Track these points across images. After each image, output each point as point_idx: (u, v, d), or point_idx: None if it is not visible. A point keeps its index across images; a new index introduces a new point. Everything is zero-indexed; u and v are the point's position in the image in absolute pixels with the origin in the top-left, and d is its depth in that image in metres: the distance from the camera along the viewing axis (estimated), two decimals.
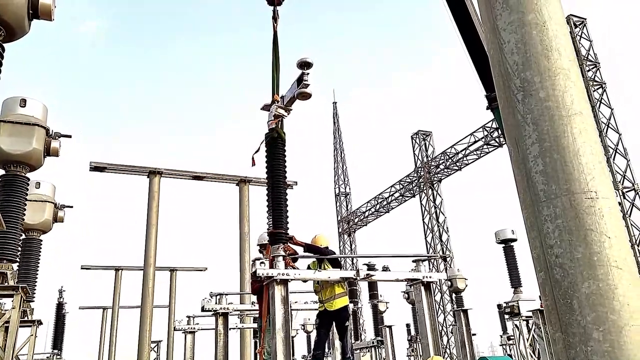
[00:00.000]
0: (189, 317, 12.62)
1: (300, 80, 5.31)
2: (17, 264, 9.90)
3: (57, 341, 20.46)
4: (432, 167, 23.83)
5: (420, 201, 24.32)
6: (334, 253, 6.67)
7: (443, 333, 21.67)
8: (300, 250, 5.76)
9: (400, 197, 26.41)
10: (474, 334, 20.86)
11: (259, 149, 5.72)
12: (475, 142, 21.38)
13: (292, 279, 5.15)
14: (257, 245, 7.08)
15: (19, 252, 9.64)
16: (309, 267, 6.82)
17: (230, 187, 16.82)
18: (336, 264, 6.51)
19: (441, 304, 22.11)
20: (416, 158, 24.79)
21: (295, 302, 10.35)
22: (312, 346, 6.81)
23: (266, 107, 5.78)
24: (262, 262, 5.01)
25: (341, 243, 30.62)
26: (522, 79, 2.39)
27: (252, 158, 5.68)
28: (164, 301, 25.92)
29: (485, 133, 20.98)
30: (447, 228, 23.10)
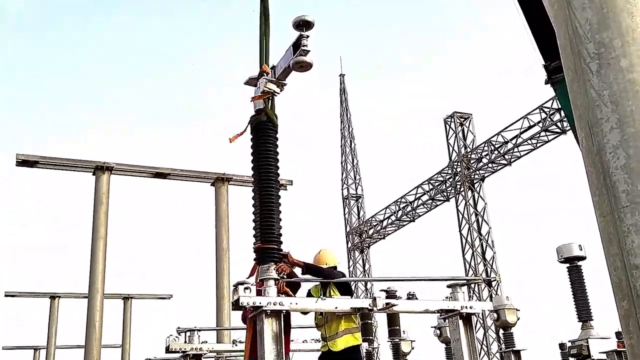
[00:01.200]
0: None
1: (297, 46, 5.26)
2: None
3: None
4: (472, 161, 23.82)
5: (457, 206, 24.32)
6: (343, 275, 6.65)
7: None
8: (298, 272, 5.75)
9: (430, 202, 26.41)
10: None
11: (245, 130, 5.70)
12: (530, 127, 21.38)
13: (287, 310, 5.13)
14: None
15: None
16: (309, 294, 6.81)
17: (204, 188, 16.86)
18: (346, 289, 6.50)
19: (485, 342, 22.13)
20: (451, 149, 24.77)
21: (292, 341, 10.33)
22: None
23: (252, 81, 5.76)
24: (247, 288, 5.00)
25: (351, 262, 30.67)
26: (598, 42, 2.37)
27: (234, 137, 5.64)
28: (116, 339, 26.01)
29: (544, 116, 20.98)
30: (492, 242, 23.12)
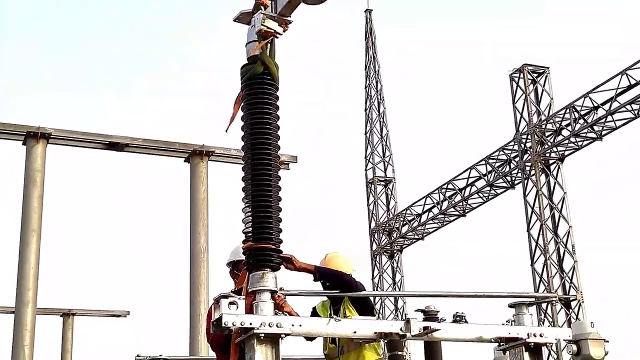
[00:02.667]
0: None
1: None
2: None
3: None
4: (547, 134, 23.73)
5: (525, 196, 24.29)
6: (363, 288, 6.68)
7: None
8: (306, 280, 5.82)
9: (488, 189, 26.38)
10: None
11: (239, 97, 5.72)
12: (631, 87, 21.22)
13: (287, 334, 5.17)
14: (228, 264, 7.13)
15: None
16: (314, 314, 6.85)
17: (175, 165, 16.92)
18: (365, 308, 6.54)
19: None
20: (519, 116, 24.68)
21: None
22: None
23: (244, 17, 5.76)
24: (232, 303, 5.04)
25: (376, 270, 30.78)
26: None
27: (231, 118, 5.71)
28: None
29: None
30: (572, 247, 23.09)
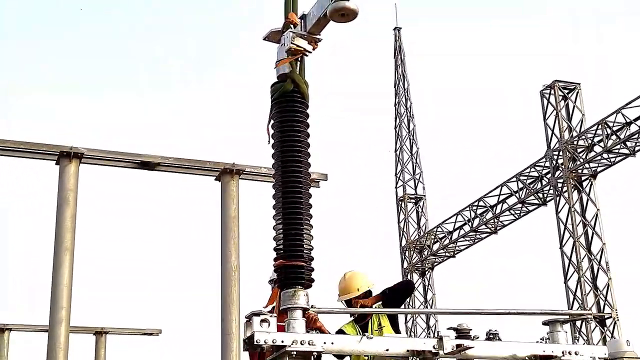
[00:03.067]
0: None
1: None
2: None
3: None
4: (579, 150, 23.54)
5: (557, 213, 24.09)
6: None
7: None
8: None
9: (519, 206, 26.22)
10: None
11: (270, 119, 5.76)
12: None
13: (319, 352, 5.15)
14: (270, 281, 7.21)
15: None
16: (340, 331, 6.86)
17: (206, 183, 16.99)
18: (395, 324, 6.55)
19: None
20: (550, 133, 24.53)
21: None
22: None
23: (274, 36, 5.79)
24: (264, 320, 5.04)
25: None
26: None
27: (267, 128, 5.74)
28: None
29: None
30: (606, 264, 22.85)
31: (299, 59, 5.66)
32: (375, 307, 6.34)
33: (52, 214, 15.21)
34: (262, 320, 5.05)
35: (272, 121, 5.73)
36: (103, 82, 61.28)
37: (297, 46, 5.56)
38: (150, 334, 27.63)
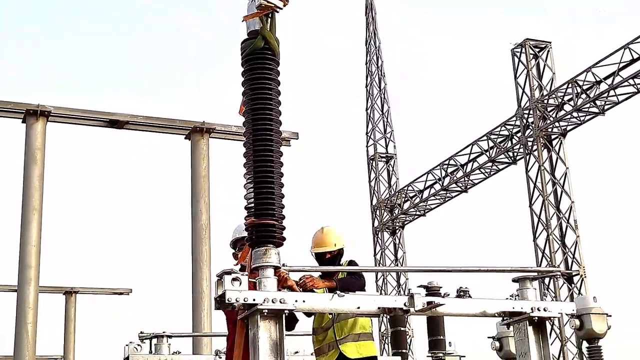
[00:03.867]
0: None
1: None
2: None
3: None
4: (549, 109, 23.67)
5: (527, 171, 24.27)
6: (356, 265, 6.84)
7: None
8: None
9: (489, 165, 26.35)
10: None
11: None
12: (634, 61, 21.11)
13: (290, 310, 5.18)
14: (231, 243, 7.17)
15: None
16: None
17: (176, 142, 16.91)
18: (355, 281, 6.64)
19: (562, 358, 22.30)
20: (520, 91, 24.60)
21: (296, 353, 10.49)
22: None
23: None
24: (235, 279, 5.05)
25: (378, 247, 30.84)
26: None
27: (241, 105, 5.70)
28: (55, 347, 26.48)
29: None
30: (575, 222, 23.11)
31: (270, 15, 5.60)
32: (325, 290, 6.37)
33: (19, 173, 15.07)
34: (234, 279, 5.06)
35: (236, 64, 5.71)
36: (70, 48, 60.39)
37: (268, 2, 5.51)
38: (121, 294, 27.65)
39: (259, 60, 5.63)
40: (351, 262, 6.90)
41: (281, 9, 5.60)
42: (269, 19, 5.62)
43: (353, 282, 6.42)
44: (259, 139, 5.56)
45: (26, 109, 15.00)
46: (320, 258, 6.79)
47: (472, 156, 26.72)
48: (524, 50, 24.50)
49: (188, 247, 16.12)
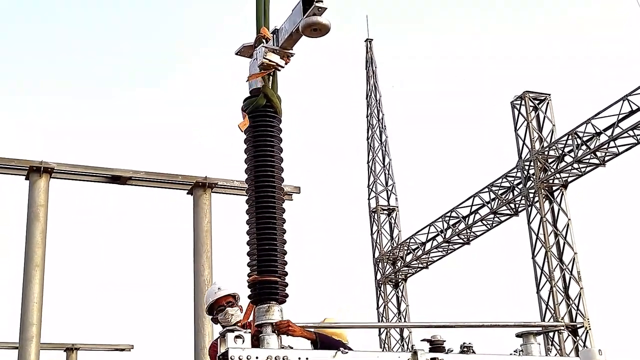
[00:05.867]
0: None
1: (308, 1, 5.31)
2: None
3: None
4: (550, 160, 23.75)
5: (529, 223, 24.26)
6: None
7: None
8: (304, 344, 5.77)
9: (491, 217, 26.36)
10: None
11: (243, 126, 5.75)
12: (633, 112, 21.26)
13: None
14: (207, 310, 7.07)
15: None
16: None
17: (178, 197, 16.93)
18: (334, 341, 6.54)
19: None
20: (521, 143, 24.72)
21: None
22: None
23: (246, 51, 5.80)
24: (238, 336, 5.02)
25: (381, 300, 30.66)
26: None
27: (243, 122, 5.71)
28: None
29: None
30: (578, 274, 23.03)
31: (272, 73, 5.67)
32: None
33: (22, 230, 15.07)
34: (237, 337, 5.04)
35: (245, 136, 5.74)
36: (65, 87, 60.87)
37: (270, 61, 5.57)
38: (122, 350, 27.40)
39: (261, 117, 5.69)
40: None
41: (283, 67, 5.67)
42: (271, 77, 5.70)
43: (335, 343, 6.18)
44: (260, 195, 5.58)
45: (29, 166, 15.05)
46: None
47: (474, 208, 26.76)
48: (523, 102, 24.70)
49: (190, 303, 16.04)
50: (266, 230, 5.52)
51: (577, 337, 22.24)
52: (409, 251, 29.77)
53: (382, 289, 30.74)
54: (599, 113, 22.08)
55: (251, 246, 5.57)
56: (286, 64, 5.68)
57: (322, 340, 6.00)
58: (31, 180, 15.08)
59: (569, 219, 23.53)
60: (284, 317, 5.37)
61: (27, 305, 14.64)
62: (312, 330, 5.92)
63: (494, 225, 26.74)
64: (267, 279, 5.40)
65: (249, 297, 5.54)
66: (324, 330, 6.83)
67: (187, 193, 16.73)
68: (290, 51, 5.64)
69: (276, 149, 5.71)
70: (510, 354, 6.04)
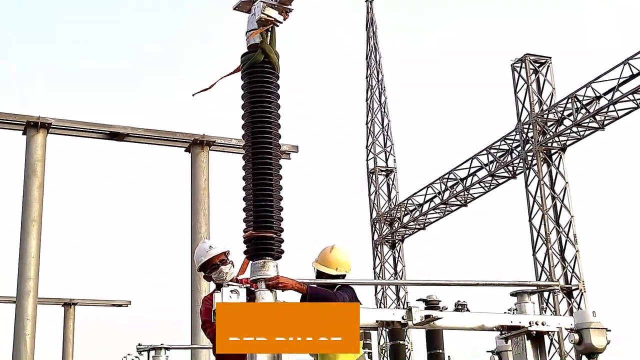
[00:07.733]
0: None
1: None
2: None
3: None
4: (549, 124, 23.70)
5: (527, 186, 24.27)
6: (353, 292, 6.65)
7: None
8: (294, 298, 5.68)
9: (489, 179, 26.36)
10: None
11: (231, 73, 5.72)
12: (634, 76, 21.15)
13: None
14: (199, 269, 7.00)
15: None
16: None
17: (176, 155, 16.93)
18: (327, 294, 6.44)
19: None
20: (520, 106, 24.64)
21: None
22: None
23: (244, 6, 5.75)
24: (233, 291, 5.05)
25: (377, 260, 30.82)
26: None
27: (201, 90, 5.69)
28: (53, 358, 26.42)
29: None
30: (574, 236, 23.10)
31: (270, 29, 5.63)
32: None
33: (19, 185, 15.08)
34: (232, 291, 5.07)
35: (232, 80, 5.73)
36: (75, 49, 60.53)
37: (268, 16, 5.53)
38: (120, 305, 27.58)
39: (259, 73, 5.66)
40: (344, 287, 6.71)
41: (281, 22, 5.63)
42: (269, 33, 5.65)
43: (325, 295, 6.04)
44: (258, 153, 5.58)
45: (27, 121, 15.03)
46: (319, 274, 6.73)
47: (472, 170, 26.74)
48: (524, 65, 24.55)
49: (187, 259, 16.12)
50: (262, 187, 5.52)
51: (572, 299, 22.36)
52: (406, 212, 29.80)
53: (379, 249, 30.84)
54: (599, 77, 21.96)
55: (247, 202, 5.58)
56: (285, 19, 5.63)
57: (314, 293, 5.84)
58: (28, 135, 15.06)
59: (567, 182, 23.51)
60: (279, 273, 5.40)
61: (25, 259, 14.71)
62: (305, 284, 5.81)
63: (491, 187, 26.74)
64: (263, 234, 5.41)
65: (245, 252, 5.56)
66: (324, 260, 6.77)
67: (185, 150, 16.73)
68: (289, 6, 5.59)
69: (273, 105, 5.69)
70: (505, 313, 6.10)
